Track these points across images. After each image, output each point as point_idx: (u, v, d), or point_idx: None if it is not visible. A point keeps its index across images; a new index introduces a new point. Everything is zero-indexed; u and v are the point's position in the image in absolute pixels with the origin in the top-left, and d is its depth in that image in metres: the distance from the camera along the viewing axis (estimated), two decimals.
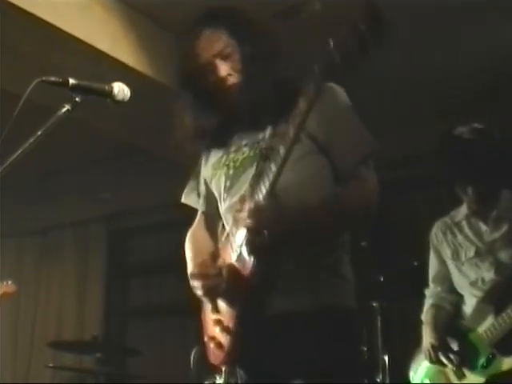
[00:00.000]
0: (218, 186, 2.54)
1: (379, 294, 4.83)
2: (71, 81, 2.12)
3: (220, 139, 2.53)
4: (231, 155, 2.49)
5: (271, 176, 2.14)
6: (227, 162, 2.49)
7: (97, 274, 8.26)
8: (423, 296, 3.98)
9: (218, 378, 2.79)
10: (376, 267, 5.02)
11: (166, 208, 6.61)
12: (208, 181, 2.63)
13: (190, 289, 2.37)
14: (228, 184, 2.47)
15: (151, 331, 7.63)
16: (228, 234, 2.37)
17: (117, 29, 4.69)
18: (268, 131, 2.37)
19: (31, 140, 2.04)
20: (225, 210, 2.49)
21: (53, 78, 2.12)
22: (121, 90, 2.22)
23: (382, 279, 4.80)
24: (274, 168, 2.13)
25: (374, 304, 4.85)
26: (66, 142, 5.96)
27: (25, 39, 4.37)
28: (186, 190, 2.78)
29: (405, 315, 4.34)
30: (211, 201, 2.64)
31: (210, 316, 2.40)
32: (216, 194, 2.58)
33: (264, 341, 2.24)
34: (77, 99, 2.14)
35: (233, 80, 2.39)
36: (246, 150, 2.44)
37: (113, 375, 5.97)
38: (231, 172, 2.47)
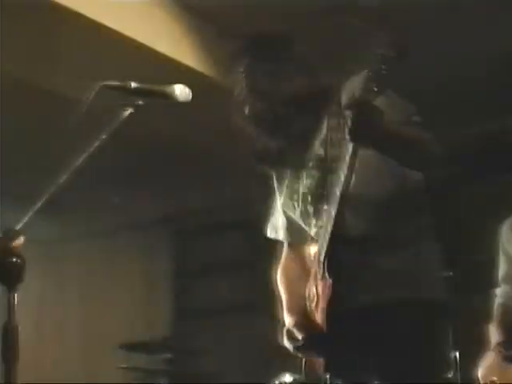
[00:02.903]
0: (301, 214, 2.54)
1: (449, 289, 4.77)
2: (133, 84, 2.14)
3: (284, 162, 2.55)
4: (305, 181, 2.50)
5: (342, 182, 2.20)
6: (303, 190, 2.51)
7: (164, 275, 8.32)
8: (492, 293, 3.92)
9: (287, 376, 2.78)
10: (445, 262, 4.96)
11: (228, 208, 6.64)
12: (288, 210, 2.62)
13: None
14: (310, 210, 2.49)
15: (219, 330, 7.66)
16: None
17: (177, 31, 4.72)
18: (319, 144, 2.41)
19: (97, 143, 2.05)
20: (314, 233, 2.51)
21: (115, 82, 2.14)
22: (182, 91, 2.22)
23: (451, 274, 4.75)
24: (342, 176, 2.19)
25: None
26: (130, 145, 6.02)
27: (85, 44, 4.43)
28: (268, 224, 2.75)
29: (473, 312, 4.27)
30: (296, 230, 2.64)
31: None
32: (300, 222, 2.58)
33: (345, 335, 2.26)
34: (139, 102, 2.15)
35: None
36: (314, 172, 2.46)
37: (183, 375, 6.02)
38: (309, 198, 2.49)
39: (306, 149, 2.47)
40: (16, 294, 1.80)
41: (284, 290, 2.65)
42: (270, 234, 2.74)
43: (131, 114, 2.13)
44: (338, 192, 2.22)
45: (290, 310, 2.56)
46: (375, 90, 2.04)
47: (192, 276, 8.41)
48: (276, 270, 2.71)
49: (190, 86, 2.24)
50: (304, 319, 2.42)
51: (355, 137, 2.12)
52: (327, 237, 2.27)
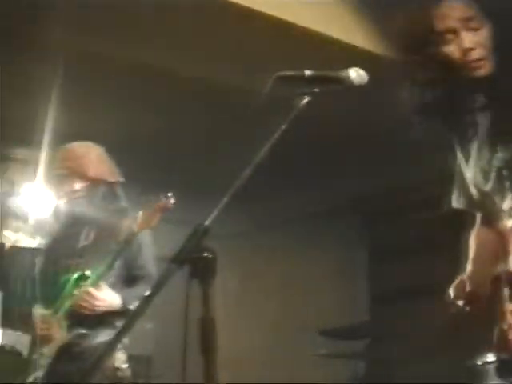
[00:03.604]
0: (494, 187, 2.42)
1: None
2: (307, 72, 2.13)
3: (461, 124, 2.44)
4: (500, 154, 2.37)
5: None
6: (498, 164, 2.38)
7: (359, 261, 8.29)
8: None
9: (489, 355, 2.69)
10: None
11: (420, 188, 6.51)
12: (478, 183, 2.50)
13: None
14: (506, 184, 2.37)
15: (419, 315, 7.54)
16: None
17: (347, 15, 4.69)
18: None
19: (277, 134, 2.05)
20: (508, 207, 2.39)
21: (290, 72, 2.14)
22: (357, 75, 2.17)
23: None
24: None
25: None
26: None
27: (256, 37, 4.49)
28: (455, 195, 2.62)
29: None
30: (487, 203, 2.50)
31: (507, 305, 2.34)
32: (493, 195, 2.45)
33: None
34: (315, 90, 2.14)
35: (475, 56, 2.29)
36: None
37: (383, 360, 6.00)
38: (505, 173, 2.36)
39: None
40: (211, 288, 1.85)
41: (472, 259, 2.56)
42: (456, 204, 2.64)
43: (309, 102, 2.11)
44: None
45: (471, 278, 2.47)
46: None
47: (387, 261, 8.34)
48: (467, 241, 2.63)
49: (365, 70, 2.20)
50: (474, 293, 2.33)
51: None
52: None
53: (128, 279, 3.93)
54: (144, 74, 5.34)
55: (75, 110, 5.87)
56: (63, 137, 4.18)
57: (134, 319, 1.91)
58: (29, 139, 5.49)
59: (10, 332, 5.84)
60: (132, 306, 3.77)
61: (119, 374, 3.78)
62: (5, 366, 3.76)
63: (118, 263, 3.80)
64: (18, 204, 6.60)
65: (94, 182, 4.00)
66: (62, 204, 4.12)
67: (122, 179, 4.06)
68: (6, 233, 7.23)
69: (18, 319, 5.78)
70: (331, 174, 7.82)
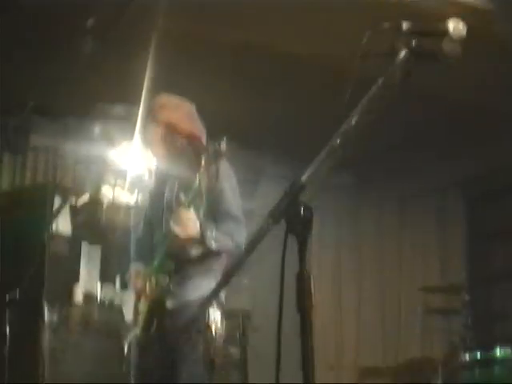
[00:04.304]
0: None
1: None
2: (405, 24, 2.07)
3: None
4: None
5: None
6: None
7: (460, 238, 8.17)
8: None
9: None
10: None
11: None
12: None
13: None
14: None
15: None
16: None
17: None
18: None
19: (374, 90, 2.00)
20: None
21: (386, 25, 2.08)
22: (456, 26, 2.04)
23: None
24: None
25: None
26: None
27: None
28: None
29: None
30: None
31: None
32: None
33: None
34: (413, 43, 2.07)
35: None
36: None
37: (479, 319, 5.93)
38: None
39: None
40: (308, 244, 1.85)
41: None
42: None
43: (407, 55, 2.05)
44: None
45: None
46: None
47: (489, 238, 8.18)
48: None
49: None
50: None
51: None
52: None
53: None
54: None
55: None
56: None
57: (232, 274, 1.93)
58: (127, 97, 5.58)
59: (109, 287, 5.96)
60: (209, 233, 3.78)
61: (213, 329, 3.81)
62: (104, 321, 3.85)
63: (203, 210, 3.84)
64: (116, 160, 6.71)
65: (183, 137, 3.99)
66: (155, 160, 4.15)
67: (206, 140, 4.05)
68: (104, 189, 7.38)
69: (116, 275, 5.90)
70: (440, 155, 7.75)
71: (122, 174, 6.85)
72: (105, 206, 6.70)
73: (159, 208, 4.03)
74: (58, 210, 4.49)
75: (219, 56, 5.80)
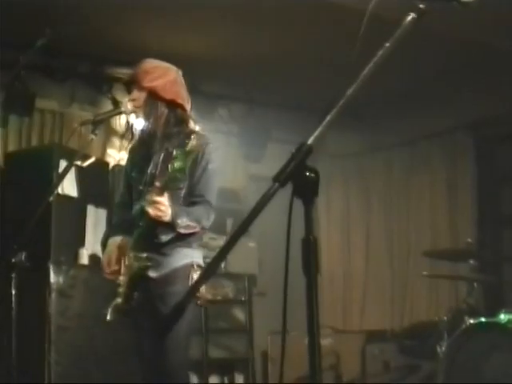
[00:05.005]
0: None
1: None
2: None
3: None
4: None
5: None
6: None
7: (467, 182, 8.12)
8: None
9: None
10: None
11: None
12: None
13: None
14: None
15: None
16: None
17: None
18: None
19: (381, 52, 2.00)
20: None
21: None
22: None
23: None
24: None
25: None
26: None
27: None
28: None
29: None
30: None
31: None
32: None
33: None
34: (421, 6, 2.04)
35: None
36: None
37: (487, 282, 5.92)
38: None
39: None
40: (313, 207, 1.84)
41: None
42: None
43: (414, 19, 2.03)
44: None
45: None
46: None
47: (497, 183, 8.17)
48: None
49: None
50: None
51: None
52: None
53: (187, 204, 3.86)
54: None
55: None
56: (159, 56, 4.12)
57: (236, 238, 1.91)
58: (132, 60, 5.56)
59: None
60: (180, 221, 3.74)
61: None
62: (109, 284, 3.85)
63: (183, 184, 3.83)
64: (121, 123, 6.67)
65: (165, 104, 3.92)
66: (139, 124, 4.07)
67: (190, 109, 4.00)
68: (110, 151, 7.37)
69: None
70: (450, 97, 7.71)
71: (127, 137, 6.81)
72: (111, 169, 6.69)
73: (141, 179, 3.96)
74: (64, 172, 4.44)
75: None
